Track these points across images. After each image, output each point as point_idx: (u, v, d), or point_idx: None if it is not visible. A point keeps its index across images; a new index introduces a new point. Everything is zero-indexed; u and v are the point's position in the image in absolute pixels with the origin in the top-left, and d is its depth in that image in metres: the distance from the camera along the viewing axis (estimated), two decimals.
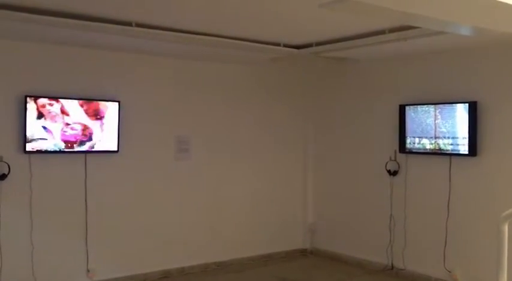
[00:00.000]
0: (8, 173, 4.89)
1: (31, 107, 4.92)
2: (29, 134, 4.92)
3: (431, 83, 5.69)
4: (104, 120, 5.35)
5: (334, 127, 6.82)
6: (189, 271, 6.04)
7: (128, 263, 5.65)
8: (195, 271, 6.07)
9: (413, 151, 5.76)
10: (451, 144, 5.39)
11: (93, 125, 5.28)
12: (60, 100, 5.09)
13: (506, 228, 2.66)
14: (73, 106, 5.17)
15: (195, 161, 6.17)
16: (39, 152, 5.01)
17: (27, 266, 5.01)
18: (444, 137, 5.45)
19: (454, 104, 5.36)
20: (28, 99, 4.92)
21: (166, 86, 5.97)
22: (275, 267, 6.39)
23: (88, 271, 5.39)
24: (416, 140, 5.70)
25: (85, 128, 5.23)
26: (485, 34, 4.21)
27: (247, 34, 4.91)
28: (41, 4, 3.85)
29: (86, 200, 5.38)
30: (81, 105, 5.21)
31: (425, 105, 5.60)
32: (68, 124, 5.14)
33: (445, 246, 5.49)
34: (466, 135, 5.25)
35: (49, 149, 5.05)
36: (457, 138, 5.34)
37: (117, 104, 5.44)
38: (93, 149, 5.30)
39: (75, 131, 5.19)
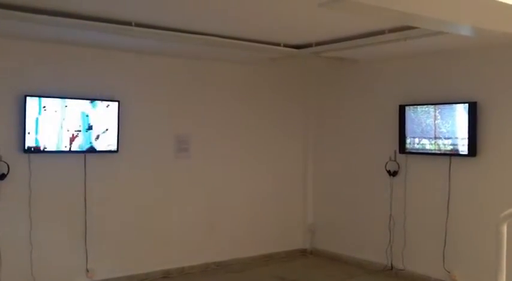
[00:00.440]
0: (8, 173, 4.89)
1: (31, 106, 4.92)
2: (28, 134, 4.92)
3: (431, 83, 5.69)
4: (103, 121, 5.35)
5: (334, 127, 6.81)
6: (189, 271, 6.04)
7: (128, 263, 5.65)
8: (195, 271, 6.06)
9: (413, 151, 5.75)
10: (451, 144, 5.38)
11: (93, 124, 5.28)
12: (60, 100, 5.09)
13: (505, 228, 2.66)
14: (73, 106, 5.17)
15: (195, 160, 6.17)
16: (38, 151, 5.01)
17: (27, 266, 5.01)
18: (444, 138, 5.45)
19: (453, 105, 5.35)
20: (28, 99, 4.91)
21: (166, 86, 5.97)
22: (275, 267, 6.39)
23: (87, 270, 5.38)
24: (416, 140, 5.70)
25: (85, 128, 5.24)
26: (485, 34, 4.21)
27: (247, 34, 4.91)
28: (40, 3, 3.85)
29: (85, 200, 5.38)
30: (81, 105, 5.21)
31: (425, 106, 5.60)
32: (67, 124, 5.13)
33: (445, 246, 5.49)
34: (466, 135, 5.25)
35: (49, 149, 5.05)
36: (457, 138, 5.33)
37: (116, 103, 5.44)
38: (93, 149, 5.30)
39: (75, 131, 5.18)
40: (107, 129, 5.37)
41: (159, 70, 5.92)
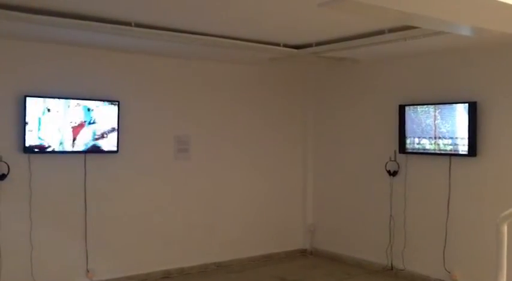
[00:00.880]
0: (8, 173, 4.89)
1: (31, 107, 4.92)
2: (28, 134, 4.92)
3: (431, 83, 5.68)
4: (103, 121, 5.35)
5: (334, 127, 6.81)
6: (189, 271, 6.04)
7: (128, 263, 5.65)
8: (195, 271, 6.06)
9: (413, 151, 5.75)
10: (451, 144, 5.38)
11: (93, 124, 5.28)
12: (60, 100, 5.09)
13: (505, 228, 2.65)
14: (73, 106, 5.17)
15: (195, 161, 6.17)
16: (38, 152, 5.01)
17: (27, 266, 5.01)
18: (444, 138, 5.45)
19: (453, 104, 5.35)
20: (28, 99, 4.91)
21: (165, 86, 5.97)
22: (275, 267, 6.39)
23: (87, 271, 5.38)
24: (416, 140, 5.70)
25: (84, 127, 5.24)
26: (485, 34, 4.21)
27: (247, 34, 4.91)
28: (40, 4, 3.85)
29: (85, 200, 5.38)
30: (81, 105, 5.21)
31: (425, 106, 5.60)
32: (67, 124, 5.13)
33: (445, 246, 5.49)
34: (466, 135, 5.25)
35: (49, 149, 5.05)
36: (457, 138, 5.33)
37: (116, 104, 5.43)
38: (93, 149, 5.30)
39: (75, 131, 5.18)
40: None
41: (159, 70, 5.91)
